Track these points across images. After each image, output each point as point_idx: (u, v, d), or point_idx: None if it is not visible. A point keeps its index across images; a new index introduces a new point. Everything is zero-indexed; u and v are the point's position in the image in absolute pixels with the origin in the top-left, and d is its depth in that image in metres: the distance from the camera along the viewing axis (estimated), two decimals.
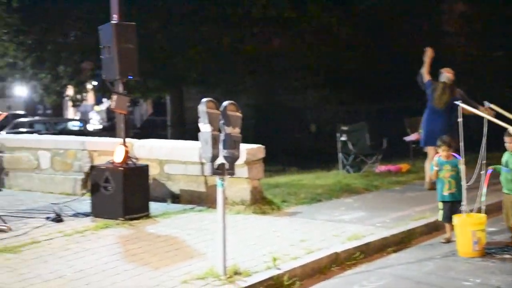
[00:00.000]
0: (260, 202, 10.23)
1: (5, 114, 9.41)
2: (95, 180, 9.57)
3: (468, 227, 8.03)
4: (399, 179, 13.54)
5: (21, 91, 42.39)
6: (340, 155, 15.35)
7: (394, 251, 8.31)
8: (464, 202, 8.33)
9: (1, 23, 27.37)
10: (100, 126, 45.06)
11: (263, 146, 10.45)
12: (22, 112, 44.14)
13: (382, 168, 14.86)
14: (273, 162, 15.38)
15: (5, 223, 8.71)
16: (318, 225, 9.19)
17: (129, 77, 9.57)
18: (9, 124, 31.53)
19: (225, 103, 6.49)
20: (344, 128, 15.62)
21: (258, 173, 10.33)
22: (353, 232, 8.57)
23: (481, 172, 8.15)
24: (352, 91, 26.84)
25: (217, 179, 6.54)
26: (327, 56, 25.18)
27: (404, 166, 14.84)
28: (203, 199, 10.35)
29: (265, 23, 24.84)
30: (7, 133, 27.11)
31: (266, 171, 10.79)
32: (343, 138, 15.34)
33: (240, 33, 25.04)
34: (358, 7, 25.59)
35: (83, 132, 31.46)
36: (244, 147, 9.63)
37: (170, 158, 10.72)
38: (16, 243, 7.95)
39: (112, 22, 9.67)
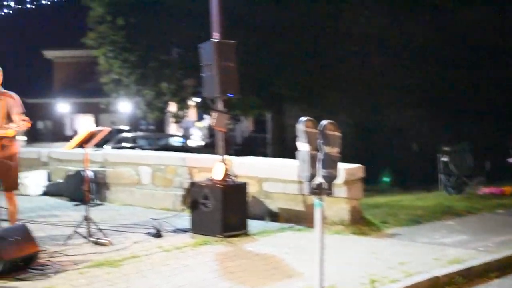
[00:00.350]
0: (359, 222, 10.09)
1: (108, 129, 9.61)
2: (195, 197, 9.65)
3: None
4: (502, 202, 13.15)
5: (125, 106, 43.37)
6: (441, 176, 15.05)
7: (497, 277, 8.04)
8: None
9: (107, 40, 28.11)
10: (202, 143, 45.57)
11: (362, 166, 10.33)
12: (126, 128, 45.15)
13: (485, 190, 14.48)
14: (373, 182, 15.22)
15: (106, 237, 8.88)
16: (418, 247, 8.99)
17: (228, 95, 9.63)
18: (113, 139, 32.29)
19: (324, 122, 6.43)
20: (446, 148, 15.32)
21: (357, 193, 10.21)
22: (454, 256, 8.34)
23: None
24: (454, 110, 26.31)
25: (314, 199, 6.48)
26: (428, 75, 24.78)
27: (508, 189, 14.43)
28: (301, 218, 10.28)
29: (365, 41, 24.64)
30: (112, 147, 27.77)
31: (365, 191, 10.65)
32: (445, 158, 15.04)
33: (341, 51, 24.91)
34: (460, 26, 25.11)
35: (184, 148, 31.88)
36: (343, 167, 9.54)
37: (269, 176, 10.71)
38: (117, 257, 8.08)
39: (213, 40, 9.77)
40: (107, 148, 24.93)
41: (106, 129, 9.40)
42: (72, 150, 9.70)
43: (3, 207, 9.05)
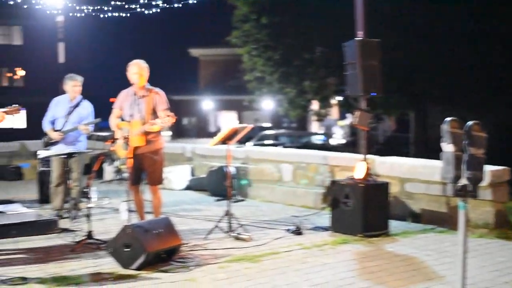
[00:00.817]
0: (504, 226, 9.73)
1: (251, 126, 9.72)
2: (335, 195, 9.61)
3: None
4: None
5: (267, 104, 43.81)
6: None
7: None
8: None
9: (251, 39, 28.50)
10: (343, 141, 45.38)
11: (508, 168, 9.96)
12: (268, 125, 45.62)
13: None
14: None
15: (247, 232, 8.99)
16: None
17: (372, 94, 9.53)
18: (256, 136, 32.69)
19: (470, 123, 6.24)
20: None
21: (503, 196, 9.85)
22: None
23: None
24: None
25: (458, 201, 6.30)
26: None
27: None
28: (444, 220, 10.03)
29: None
30: (254, 144, 28.13)
31: (511, 194, 10.27)
32: None
33: (486, 50, 24.14)
34: None
35: (325, 146, 31.89)
36: (489, 169, 9.24)
37: (411, 176, 10.51)
38: (256, 252, 8.15)
39: (357, 38, 9.69)
40: (249, 145, 25.26)
41: (249, 126, 9.51)
42: (216, 146, 9.86)
43: (147, 200, 9.35)
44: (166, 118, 8.33)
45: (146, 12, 15.05)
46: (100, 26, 59.14)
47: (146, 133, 8.64)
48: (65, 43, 58.32)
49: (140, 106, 8.74)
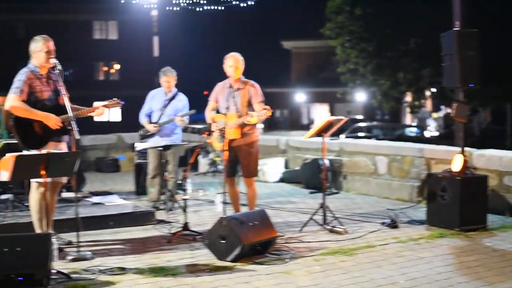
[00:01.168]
0: None
1: (346, 119, 9.65)
2: (432, 188, 9.45)
3: None
4: None
5: (360, 96, 43.49)
6: None
7: None
8: None
9: (344, 30, 28.38)
10: (437, 133, 44.68)
11: None
12: (360, 117, 45.30)
13: None
14: None
15: (342, 225, 8.93)
16: None
17: (470, 85, 9.33)
18: (348, 128, 32.51)
19: None
20: None
21: None
22: None
23: None
24: None
25: None
26: None
27: None
28: None
29: None
30: (346, 137, 27.99)
31: None
32: None
33: None
34: None
35: (419, 139, 31.41)
36: None
37: (511, 169, 10.25)
38: (351, 245, 8.10)
39: (454, 29, 9.49)
40: (341, 137, 25.13)
41: (344, 119, 9.45)
42: (309, 139, 9.83)
43: (242, 192, 9.40)
44: (262, 111, 8.34)
45: (242, 5, 15.10)
46: (193, 19, 59.78)
47: (242, 126, 8.68)
48: (159, 37, 59.31)
49: (235, 99, 8.80)
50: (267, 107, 8.40)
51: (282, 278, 6.69)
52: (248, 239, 7.35)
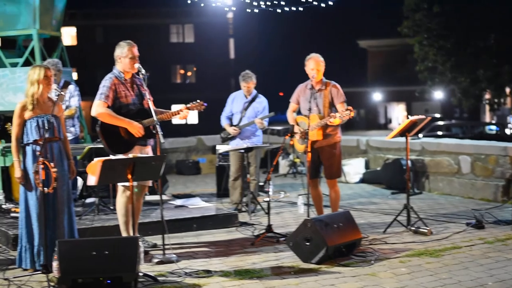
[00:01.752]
0: None
1: (428, 118, 9.49)
2: None
3: None
4: None
5: (438, 94, 42.84)
6: None
7: None
8: None
9: (422, 28, 28.03)
10: None
11: None
12: (438, 115, 44.64)
13: None
14: None
15: (426, 226, 8.80)
16: None
17: None
18: (426, 127, 32.03)
19: None
20: None
21: None
22: None
23: None
24: None
25: None
26: None
27: None
28: None
29: None
30: (424, 136, 27.61)
31: None
32: None
33: None
34: None
35: (500, 137, 30.73)
36: None
37: None
38: (437, 247, 7.97)
39: None
40: (420, 136, 24.78)
41: (428, 118, 9.30)
42: (391, 139, 9.72)
43: (325, 194, 9.35)
44: (345, 112, 8.29)
45: (322, 5, 15.05)
46: (269, 20, 59.96)
47: (324, 127, 8.65)
48: (235, 39, 59.66)
49: (317, 100, 8.77)
50: (350, 107, 8.35)
51: (367, 280, 6.63)
52: (333, 241, 7.31)
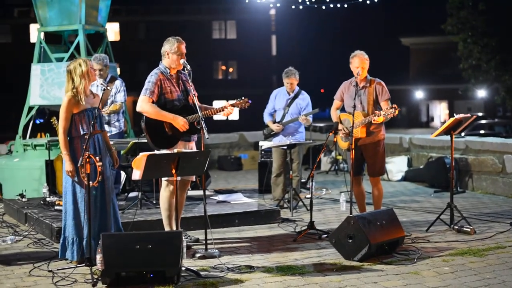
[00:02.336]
0: None
1: (474, 117, 9.38)
2: None
3: None
4: None
5: (481, 93, 42.40)
6: None
7: None
8: None
9: (467, 26, 27.76)
10: None
11: None
12: (481, 114, 44.19)
13: None
14: None
15: (469, 225, 8.72)
16: None
17: None
18: (469, 126, 31.71)
19: None
20: None
21: None
22: None
23: None
24: None
25: None
26: None
27: None
28: None
29: None
30: (466, 134, 27.35)
31: None
32: None
33: None
34: None
35: None
36: None
37: None
38: (481, 246, 7.89)
39: None
40: (462, 135, 24.55)
41: (473, 117, 9.20)
42: (435, 137, 9.63)
43: (367, 192, 9.32)
44: (390, 110, 8.26)
45: (368, 2, 14.97)
46: (311, 17, 59.81)
47: (368, 124, 8.62)
48: (277, 36, 59.66)
49: (361, 97, 8.74)
50: (395, 105, 8.31)
51: (410, 278, 6.58)
52: (376, 239, 7.27)
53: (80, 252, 7.15)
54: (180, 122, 7.63)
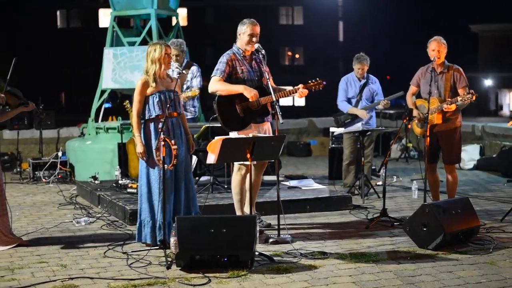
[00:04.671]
0: None
1: None
2: None
3: None
4: None
5: None
6: None
7: None
8: None
9: None
10: None
11: None
12: None
13: None
14: None
15: None
16: None
17: None
18: None
19: None
20: None
21: None
22: None
23: None
24: None
25: None
26: None
27: None
28: None
29: None
30: None
31: None
32: None
33: None
34: None
35: None
36: None
37: None
38: None
39: None
40: None
41: None
42: (510, 125, 9.44)
43: (441, 180, 9.18)
44: (467, 95, 8.12)
45: None
46: (379, 3, 59.25)
47: (444, 111, 8.47)
48: (344, 22, 59.26)
49: (438, 83, 8.60)
50: (472, 91, 8.16)
51: (486, 268, 6.45)
52: (451, 228, 7.15)
53: (154, 235, 7.21)
54: (252, 92, 7.55)
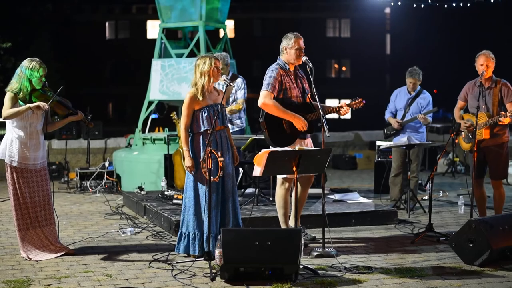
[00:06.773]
0: None
1: None
2: None
3: None
4: None
5: None
6: None
7: None
8: None
9: None
10: None
11: None
12: None
13: None
14: None
15: None
16: None
17: None
18: None
19: None
20: None
21: None
22: None
23: None
24: None
25: None
26: None
27: None
28: None
29: None
30: None
31: None
32: None
33: None
34: None
35: None
36: None
37: None
38: None
39: None
40: None
41: None
42: None
43: (488, 196, 9.09)
44: None
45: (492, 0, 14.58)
46: (427, 16, 58.86)
47: (492, 126, 8.42)
48: (391, 35, 58.96)
49: (486, 98, 8.54)
50: None
51: None
52: (498, 244, 7.07)
53: (201, 247, 7.25)
54: (301, 123, 7.61)
